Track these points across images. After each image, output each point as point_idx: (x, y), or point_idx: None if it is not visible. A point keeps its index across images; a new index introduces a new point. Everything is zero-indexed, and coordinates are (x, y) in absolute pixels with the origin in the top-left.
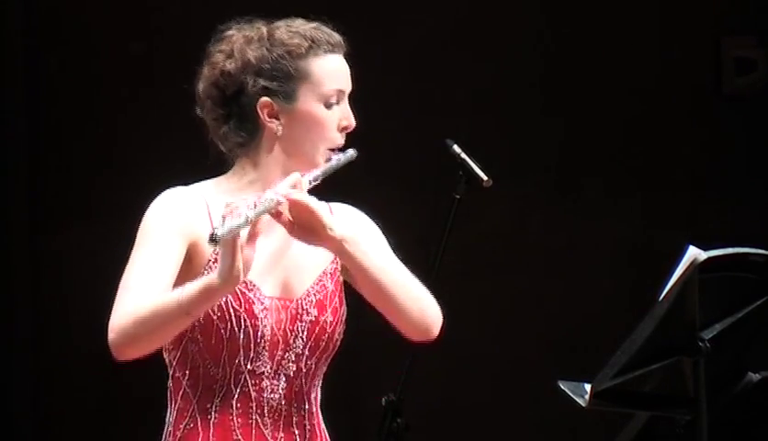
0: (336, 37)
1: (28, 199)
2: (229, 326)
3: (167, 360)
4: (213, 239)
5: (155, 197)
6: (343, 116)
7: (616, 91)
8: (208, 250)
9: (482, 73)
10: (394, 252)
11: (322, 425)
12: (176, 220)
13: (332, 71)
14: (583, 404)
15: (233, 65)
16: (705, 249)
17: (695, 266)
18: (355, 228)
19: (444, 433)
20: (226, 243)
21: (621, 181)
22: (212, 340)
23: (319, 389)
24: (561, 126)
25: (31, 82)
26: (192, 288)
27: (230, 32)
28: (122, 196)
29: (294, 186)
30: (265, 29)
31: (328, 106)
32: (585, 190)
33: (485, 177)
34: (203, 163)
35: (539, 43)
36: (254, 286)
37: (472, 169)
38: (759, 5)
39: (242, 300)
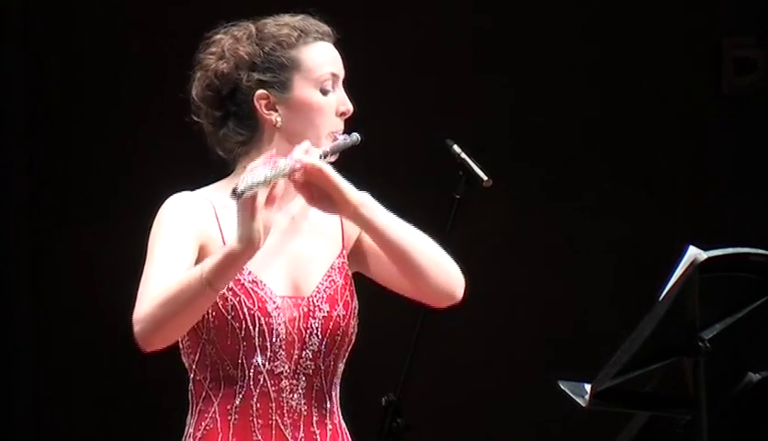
0: (324, 26)
1: (28, 199)
2: (243, 325)
3: (187, 364)
4: (235, 193)
5: (156, 197)
6: (339, 101)
7: (616, 91)
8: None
9: (482, 72)
10: None
11: (344, 426)
12: (188, 222)
13: (323, 57)
14: (583, 404)
15: (226, 65)
16: (705, 249)
17: (695, 266)
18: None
19: (444, 433)
20: (245, 205)
21: (621, 181)
22: (228, 340)
23: (338, 387)
24: (561, 126)
25: (31, 82)
26: (213, 259)
27: (218, 36)
28: (122, 196)
29: (306, 151)
30: (253, 27)
31: (324, 92)
32: (585, 190)
33: (485, 177)
34: (204, 163)
35: (538, 43)
36: (265, 285)
37: (472, 169)
38: (759, 5)
39: (255, 299)
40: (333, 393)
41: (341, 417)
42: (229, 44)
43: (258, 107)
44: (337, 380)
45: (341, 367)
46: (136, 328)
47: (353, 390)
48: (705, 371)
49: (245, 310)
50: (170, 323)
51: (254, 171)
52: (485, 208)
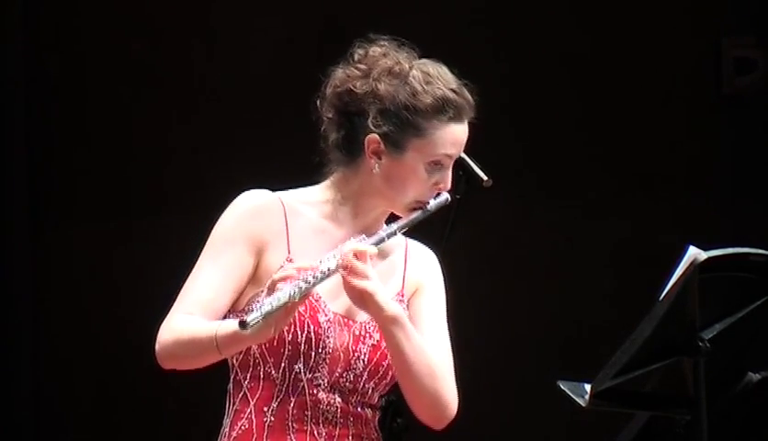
0: (468, 104)
1: (29, 200)
2: (292, 328)
3: (230, 362)
4: (243, 326)
5: (156, 197)
6: (440, 178)
7: (617, 91)
8: (275, 261)
9: (483, 73)
10: None
11: (381, 438)
12: (249, 228)
13: (448, 140)
14: (583, 404)
15: (363, 89)
16: (705, 249)
17: (695, 266)
18: (424, 276)
19: (444, 433)
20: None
21: (621, 181)
22: (275, 341)
23: (375, 408)
24: (561, 126)
25: (31, 82)
26: (225, 327)
27: (375, 49)
28: (123, 196)
29: (359, 255)
30: (406, 66)
31: (430, 168)
32: (585, 190)
33: (485, 177)
34: (206, 163)
35: (537, 44)
36: (320, 297)
37: (472, 169)
38: (759, 5)
39: (308, 307)
40: (369, 410)
41: (378, 430)
42: (378, 70)
43: (366, 146)
44: (374, 402)
45: (377, 396)
46: (156, 346)
47: None
48: (706, 371)
49: (296, 314)
50: (182, 361)
51: (281, 287)
52: (485, 208)
